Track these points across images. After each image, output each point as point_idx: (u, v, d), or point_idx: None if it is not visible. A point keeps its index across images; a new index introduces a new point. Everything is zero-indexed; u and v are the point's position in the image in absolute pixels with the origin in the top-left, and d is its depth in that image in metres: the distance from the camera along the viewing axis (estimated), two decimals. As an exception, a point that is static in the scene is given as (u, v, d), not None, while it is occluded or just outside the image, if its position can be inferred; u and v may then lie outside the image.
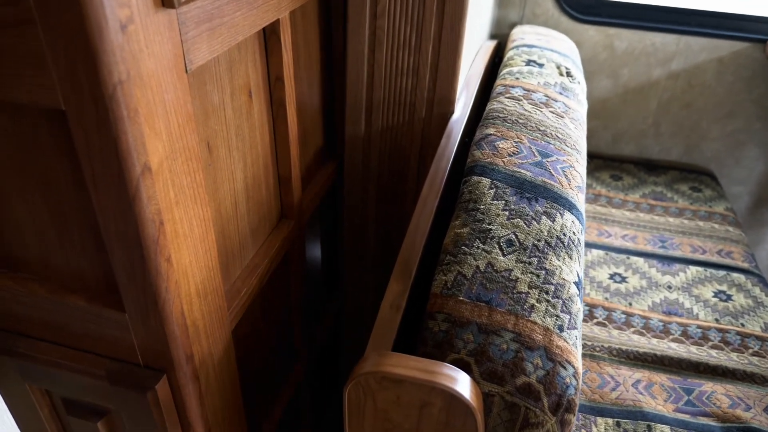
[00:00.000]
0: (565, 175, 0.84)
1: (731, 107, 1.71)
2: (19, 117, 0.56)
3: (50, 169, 0.59)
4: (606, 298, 1.26)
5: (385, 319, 0.69)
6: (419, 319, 0.73)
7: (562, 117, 0.97)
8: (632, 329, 1.19)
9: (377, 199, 1.18)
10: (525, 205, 0.77)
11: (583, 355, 1.12)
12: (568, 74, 1.14)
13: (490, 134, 0.89)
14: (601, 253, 1.40)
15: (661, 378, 1.07)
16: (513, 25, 1.71)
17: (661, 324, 1.20)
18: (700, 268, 1.36)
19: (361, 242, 1.24)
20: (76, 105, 0.50)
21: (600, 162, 1.79)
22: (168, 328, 0.63)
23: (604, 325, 1.20)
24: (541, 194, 0.79)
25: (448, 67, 0.99)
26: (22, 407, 0.78)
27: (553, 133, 0.92)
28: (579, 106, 1.04)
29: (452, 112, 1.04)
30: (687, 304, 1.26)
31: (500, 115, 0.94)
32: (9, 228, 0.66)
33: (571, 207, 0.80)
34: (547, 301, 0.66)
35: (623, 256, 1.39)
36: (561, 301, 0.67)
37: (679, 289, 1.30)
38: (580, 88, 1.12)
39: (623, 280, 1.32)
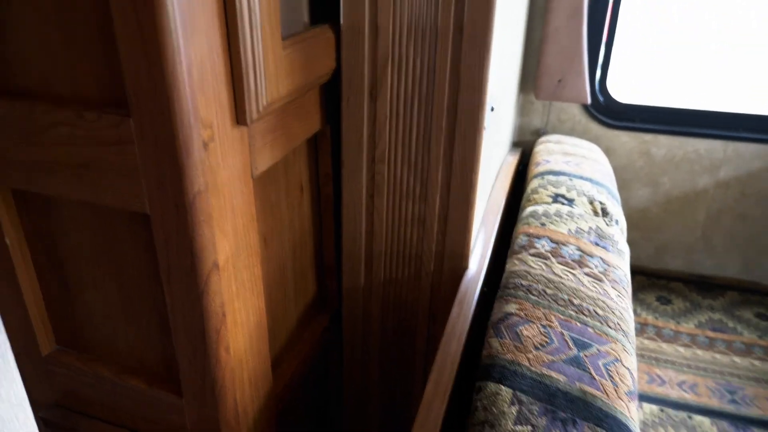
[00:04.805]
0: (611, 377, 0.65)
1: (794, 218, 1.50)
2: (104, 216, 0.62)
3: (126, 262, 0.64)
4: (666, 476, 1.02)
5: None
6: None
7: (601, 281, 0.79)
8: None
9: (380, 356, 1.00)
10: (559, 433, 0.58)
11: None
12: (604, 212, 0.97)
13: (511, 314, 0.71)
14: (654, 409, 1.17)
15: None
16: (537, 132, 1.57)
17: None
18: (781, 431, 1.11)
19: (362, 406, 1.05)
20: (160, 210, 0.55)
21: (643, 279, 1.58)
22: (221, 414, 0.65)
23: None
24: (579, 413, 0.60)
25: (460, 218, 0.84)
26: (74, 487, 0.79)
27: (591, 308, 0.73)
28: (620, 260, 0.86)
29: (466, 267, 0.87)
30: (770, 486, 1.01)
31: (523, 282, 0.77)
32: (82, 312, 0.71)
33: (621, 430, 0.60)
34: None
35: (683, 415, 1.15)
36: None
37: (757, 462, 1.06)
38: (618, 230, 0.94)
39: (685, 448, 1.08)
